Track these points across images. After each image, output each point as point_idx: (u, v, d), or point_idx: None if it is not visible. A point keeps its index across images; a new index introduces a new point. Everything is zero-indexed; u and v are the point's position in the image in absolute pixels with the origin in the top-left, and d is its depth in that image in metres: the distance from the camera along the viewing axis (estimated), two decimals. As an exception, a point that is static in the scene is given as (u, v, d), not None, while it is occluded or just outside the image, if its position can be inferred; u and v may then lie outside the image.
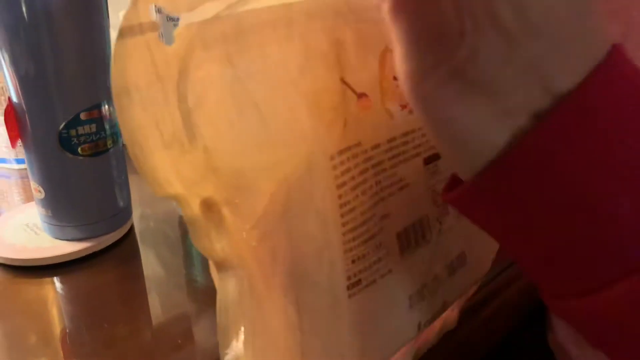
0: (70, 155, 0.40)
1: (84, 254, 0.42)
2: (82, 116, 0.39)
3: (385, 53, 0.27)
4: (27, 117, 0.39)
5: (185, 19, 0.21)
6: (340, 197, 0.25)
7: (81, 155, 0.40)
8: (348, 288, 0.27)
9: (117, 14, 0.78)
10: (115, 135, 0.42)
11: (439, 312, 0.34)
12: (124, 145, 0.43)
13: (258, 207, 0.24)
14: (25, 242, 0.43)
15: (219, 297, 0.24)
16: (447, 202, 0.23)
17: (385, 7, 0.20)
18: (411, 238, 0.30)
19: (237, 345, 0.24)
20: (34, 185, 0.42)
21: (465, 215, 0.23)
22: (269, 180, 0.24)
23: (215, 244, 0.23)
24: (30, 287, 0.40)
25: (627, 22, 0.36)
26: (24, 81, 0.38)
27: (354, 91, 0.25)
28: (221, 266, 0.24)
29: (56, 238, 0.43)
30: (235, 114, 0.22)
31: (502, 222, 0.21)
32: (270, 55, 0.23)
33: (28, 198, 0.53)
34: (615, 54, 0.20)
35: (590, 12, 0.20)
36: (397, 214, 0.29)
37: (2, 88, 0.55)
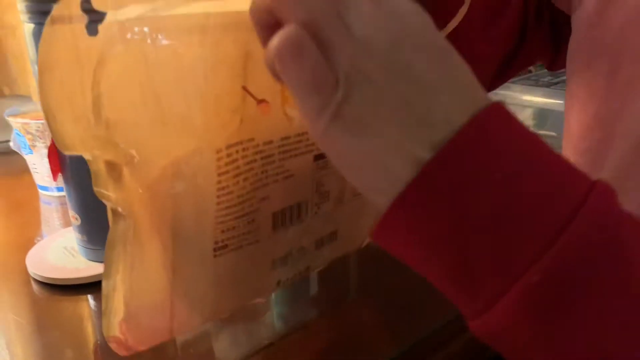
0: (103, 187, 0.45)
1: (114, 275, 0.47)
2: (114, 152, 0.44)
3: None
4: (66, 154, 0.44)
5: (111, 16, 0.24)
6: (219, 182, 0.29)
7: (113, 186, 0.45)
8: (214, 250, 0.31)
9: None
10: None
11: (301, 273, 0.38)
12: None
13: (151, 173, 0.27)
14: (64, 263, 0.47)
15: (109, 235, 0.28)
16: (372, 239, 0.25)
17: (273, 61, 0.23)
18: (286, 217, 0.34)
19: (117, 276, 0.29)
20: (71, 213, 0.47)
21: (386, 248, 0.25)
22: (161, 156, 0.27)
23: (111, 194, 0.27)
24: (67, 304, 0.44)
25: (615, 59, 0.37)
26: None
27: (254, 98, 0.29)
28: (114, 211, 0.28)
29: (90, 260, 0.47)
30: (139, 102, 0.26)
31: (413, 251, 0.24)
32: (182, 58, 0.26)
33: (66, 223, 0.57)
34: (500, 104, 0.23)
35: (454, 66, 0.23)
36: (277, 197, 0.33)
37: (44, 124, 0.60)
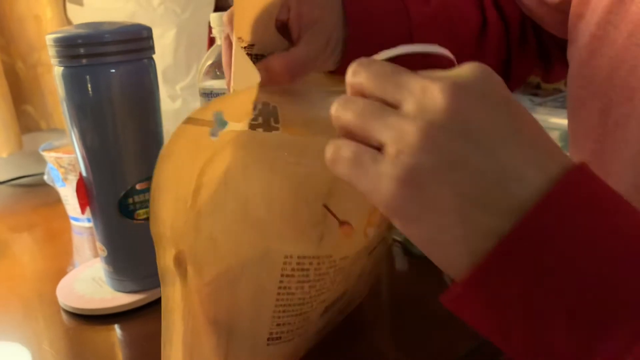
0: (128, 220, 0.46)
1: (139, 304, 0.48)
2: (138, 186, 0.46)
3: None
4: (93, 188, 0.46)
5: (231, 126, 0.28)
6: (281, 282, 0.31)
7: (137, 219, 0.46)
8: (268, 339, 0.33)
9: (174, 86, 0.87)
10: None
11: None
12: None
13: (214, 271, 0.30)
14: (92, 294, 0.49)
15: (165, 330, 0.30)
16: (445, 305, 0.24)
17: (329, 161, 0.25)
18: (333, 307, 0.36)
19: None
20: (98, 245, 0.48)
21: (457, 315, 0.24)
22: (229, 256, 0.30)
23: (177, 292, 0.29)
24: (95, 334, 0.46)
25: (606, 98, 0.37)
26: (90, 155, 0.45)
27: (336, 218, 0.30)
28: (175, 308, 0.30)
29: (116, 290, 0.49)
30: (230, 200, 0.29)
31: (483, 324, 0.24)
32: (275, 173, 0.28)
33: (97, 253, 0.57)
34: (574, 172, 0.22)
35: (525, 123, 0.23)
36: (332, 295, 0.35)
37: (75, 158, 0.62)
